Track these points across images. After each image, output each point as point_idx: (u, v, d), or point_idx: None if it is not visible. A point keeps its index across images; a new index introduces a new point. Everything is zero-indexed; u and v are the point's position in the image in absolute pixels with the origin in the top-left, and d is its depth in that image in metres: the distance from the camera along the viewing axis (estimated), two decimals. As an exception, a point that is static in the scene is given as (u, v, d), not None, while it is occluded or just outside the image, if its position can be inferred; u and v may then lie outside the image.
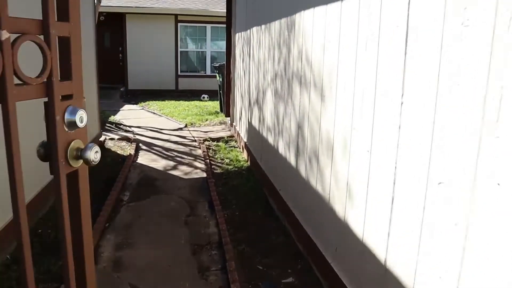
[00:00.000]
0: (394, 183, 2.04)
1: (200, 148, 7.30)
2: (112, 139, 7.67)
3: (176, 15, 14.00)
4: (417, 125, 1.85)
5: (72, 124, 1.20)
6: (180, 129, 9.00)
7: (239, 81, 7.42)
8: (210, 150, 7.14)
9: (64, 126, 1.16)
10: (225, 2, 8.90)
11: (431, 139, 1.75)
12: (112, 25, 14.58)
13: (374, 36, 2.22)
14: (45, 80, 1.03)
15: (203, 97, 12.93)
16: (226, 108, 9.06)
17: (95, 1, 8.74)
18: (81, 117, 1.34)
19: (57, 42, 1.05)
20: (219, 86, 10.20)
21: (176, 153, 7.06)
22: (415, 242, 1.86)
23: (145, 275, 3.36)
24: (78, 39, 1.11)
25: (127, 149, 7.08)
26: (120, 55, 14.71)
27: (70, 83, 1.13)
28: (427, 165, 1.78)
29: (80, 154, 1.33)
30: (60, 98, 1.10)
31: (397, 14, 1.99)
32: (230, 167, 6.22)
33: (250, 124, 6.20)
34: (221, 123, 9.30)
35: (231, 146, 7.35)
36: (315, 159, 3.20)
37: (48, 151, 1.16)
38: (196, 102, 12.25)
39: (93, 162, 1.33)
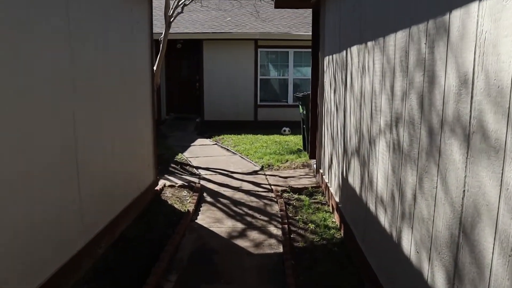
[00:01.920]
0: None
1: (277, 202, 5.69)
2: (172, 186, 6.36)
3: (256, 40, 12.77)
4: None
5: None
6: (255, 172, 7.47)
7: (328, 117, 5.73)
8: (290, 207, 5.49)
9: None
10: (311, 22, 7.36)
11: None
12: (189, 53, 13.78)
13: None
14: None
15: (284, 130, 11.38)
16: (311, 148, 7.39)
17: (161, 27, 7.70)
18: None
19: None
20: (302, 119, 8.59)
21: (246, 210, 5.51)
22: None
23: None
24: None
25: (187, 202, 5.69)
26: (197, 84, 13.79)
27: None
28: None
29: None
30: None
31: None
32: (315, 237, 4.50)
33: (344, 180, 4.45)
34: (304, 166, 7.62)
35: (317, 202, 5.63)
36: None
37: None
38: (276, 137, 10.70)
39: None
